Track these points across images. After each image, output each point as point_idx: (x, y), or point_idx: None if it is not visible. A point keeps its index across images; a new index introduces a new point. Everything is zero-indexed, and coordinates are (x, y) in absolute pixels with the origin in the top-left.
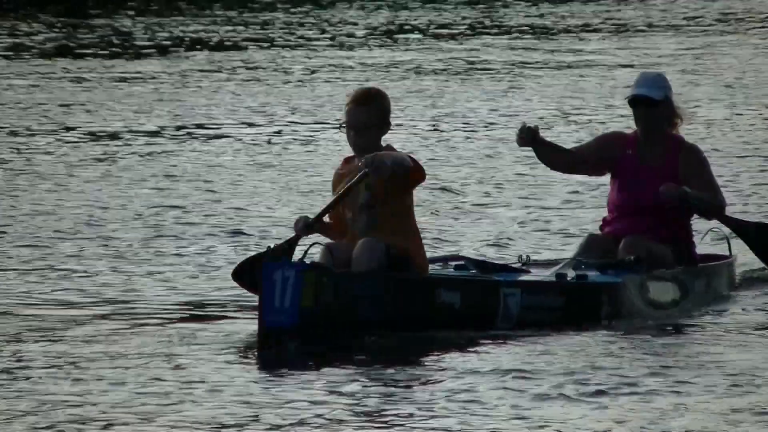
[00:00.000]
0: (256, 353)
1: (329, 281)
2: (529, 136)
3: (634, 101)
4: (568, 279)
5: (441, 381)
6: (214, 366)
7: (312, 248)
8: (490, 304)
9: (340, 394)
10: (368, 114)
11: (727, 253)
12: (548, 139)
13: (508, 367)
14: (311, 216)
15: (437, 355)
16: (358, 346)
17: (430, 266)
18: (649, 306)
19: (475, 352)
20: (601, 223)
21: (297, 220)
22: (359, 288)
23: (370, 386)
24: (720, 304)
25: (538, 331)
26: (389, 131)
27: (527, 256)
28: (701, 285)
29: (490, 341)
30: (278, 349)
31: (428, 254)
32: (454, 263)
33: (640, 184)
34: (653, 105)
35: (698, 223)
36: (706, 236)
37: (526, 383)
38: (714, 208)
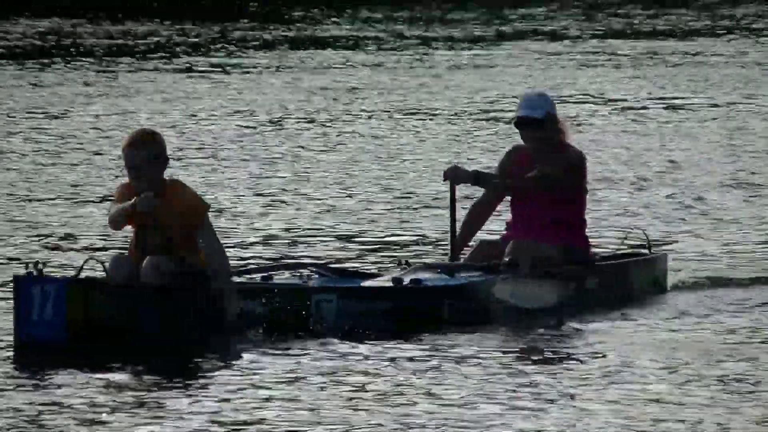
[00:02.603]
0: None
1: (101, 295)
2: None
3: (519, 123)
4: (404, 283)
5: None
6: None
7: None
8: (300, 311)
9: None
10: (145, 154)
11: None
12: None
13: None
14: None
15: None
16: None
17: (278, 274)
18: (520, 307)
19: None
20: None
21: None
22: (141, 301)
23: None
24: (618, 304)
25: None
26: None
27: (406, 260)
28: (595, 284)
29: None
30: (42, 363)
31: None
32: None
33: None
34: (537, 124)
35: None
36: (627, 238)
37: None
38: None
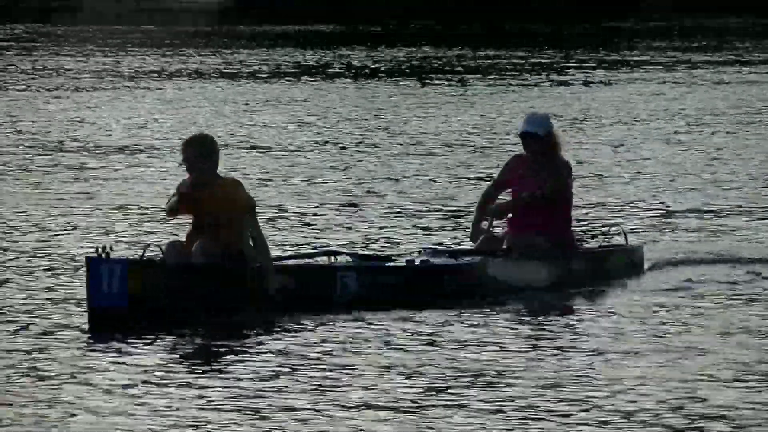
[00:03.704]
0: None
1: (156, 272)
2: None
3: (523, 136)
4: (415, 264)
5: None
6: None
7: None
8: (327, 285)
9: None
10: (194, 152)
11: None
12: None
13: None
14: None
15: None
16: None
17: (314, 260)
18: (514, 285)
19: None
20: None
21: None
22: (197, 277)
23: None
24: (599, 285)
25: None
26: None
27: (423, 248)
28: (580, 267)
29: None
30: (109, 331)
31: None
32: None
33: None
34: (538, 139)
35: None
36: (609, 231)
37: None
38: (534, 199)
